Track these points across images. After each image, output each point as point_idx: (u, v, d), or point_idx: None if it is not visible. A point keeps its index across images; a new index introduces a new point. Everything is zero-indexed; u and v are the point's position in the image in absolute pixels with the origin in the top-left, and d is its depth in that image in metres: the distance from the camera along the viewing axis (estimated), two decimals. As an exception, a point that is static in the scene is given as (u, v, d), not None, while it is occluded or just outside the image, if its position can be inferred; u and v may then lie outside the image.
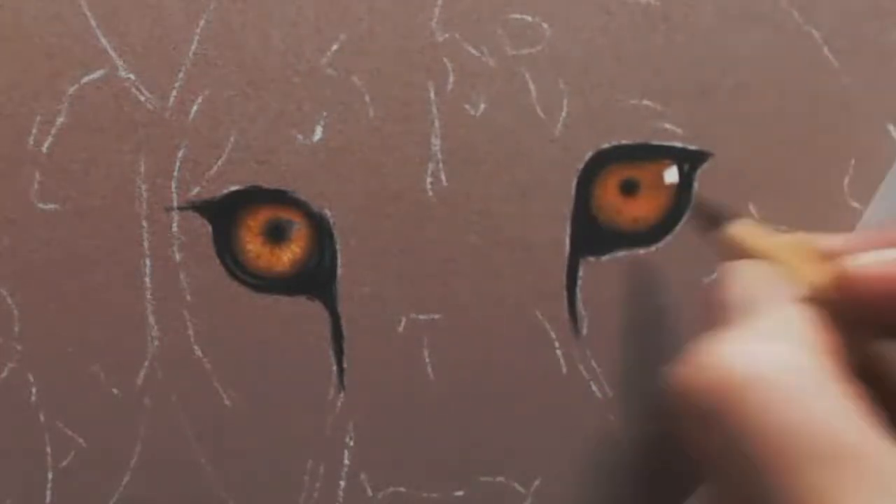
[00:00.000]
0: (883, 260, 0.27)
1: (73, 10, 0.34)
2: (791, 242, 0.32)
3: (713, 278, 0.36)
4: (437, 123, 0.35)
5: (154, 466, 0.37)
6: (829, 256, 0.31)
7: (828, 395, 0.25)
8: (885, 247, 0.28)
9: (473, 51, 0.35)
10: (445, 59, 0.35)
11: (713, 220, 0.34)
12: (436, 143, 0.35)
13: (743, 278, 0.30)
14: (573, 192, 0.36)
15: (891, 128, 0.36)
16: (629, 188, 0.36)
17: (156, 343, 0.36)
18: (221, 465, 0.37)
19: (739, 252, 0.32)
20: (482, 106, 0.35)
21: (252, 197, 0.35)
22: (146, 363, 0.36)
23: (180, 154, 0.35)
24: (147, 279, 0.36)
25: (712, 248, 0.34)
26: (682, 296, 0.37)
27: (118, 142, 0.35)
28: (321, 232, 0.36)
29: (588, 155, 0.36)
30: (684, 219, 0.36)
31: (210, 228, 0.35)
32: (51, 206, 0.35)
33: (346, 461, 0.37)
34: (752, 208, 0.36)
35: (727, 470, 0.25)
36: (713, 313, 0.30)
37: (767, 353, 0.25)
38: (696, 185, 0.36)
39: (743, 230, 0.33)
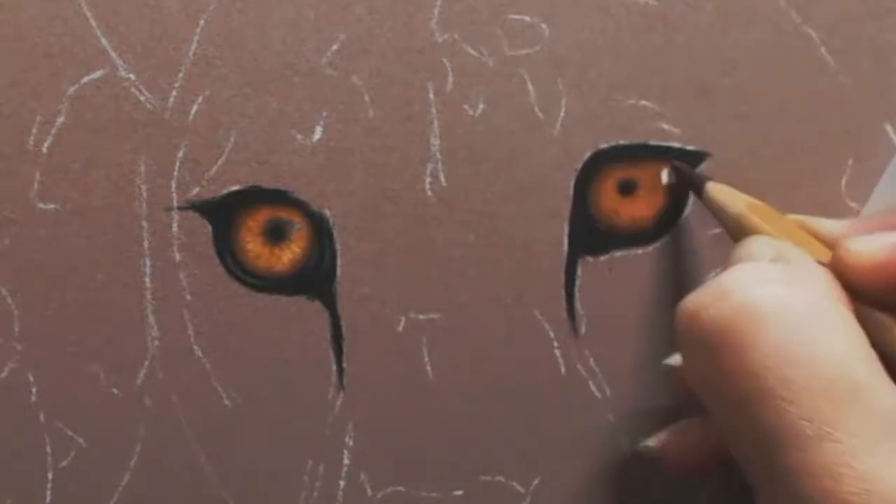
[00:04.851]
0: (875, 245, 0.27)
1: (73, 10, 0.34)
2: (789, 223, 0.32)
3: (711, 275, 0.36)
4: (436, 123, 0.35)
5: (154, 466, 0.37)
6: (828, 240, 0.31)
7: (843, 335, 0.25)
8: (882, 230, 0.28)
9: (472, 51, 0.35)
10: (444, 60, 0.35)
11: (693, 184, 0.35)
12: (435, 143, 0.35)
13: (766, 253, 0.30)
14: (571, 191, 0.36)
15: (888, 128, 0.36)
16: (627, 188, 0.36)
17: (156, 343, 0.36)
18: (221, 465, 0.37)
19: (723, 218, 0.33)
20: (481, 106, 0.35)
21: (252, 197, 0.35)
22: (146, 363, 0.36)
23: (180, 154, 0.35)
24: (147, 279, 0.36)
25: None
26: (680, 296, 0.37)
27: (118, 142, 0.35)
28: (321, 232, 0.36)
29: (586, 155, 0.36)
30: (683, 217, 0.36)
31: (210, 228, 0.35)
32: (51, 206, 0.35)
33: (346, 461, 0.37)
34: (749, 208, 0.36)
35: (726, 398, 0.26)
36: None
37: (782, 287, 0.26)
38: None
39: (723, 193, 0.34)
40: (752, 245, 0.30)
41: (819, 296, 0.26)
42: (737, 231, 0.33)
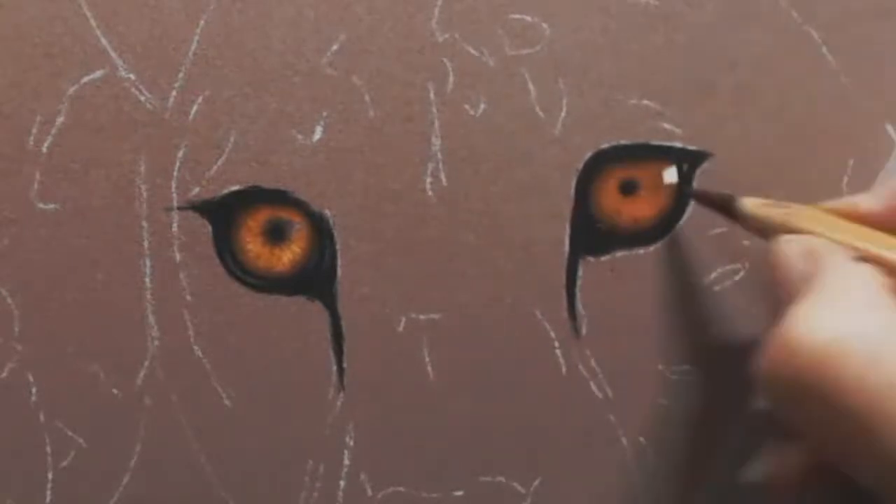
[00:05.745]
0: None
1: (73, 10, 0.34)
2: (815, 212, 0.32)
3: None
4: (436, 123, 0.35)
5: (154, 466, 0.37)
6: (864, 218, 0.31)
7: None
8: None
9: (473, 51, 0.35)
10: (445, 60, 0.35)
11: (719, 205, 0.34)
12: (435, 142, 0.35)
13: (796, 251, 0.30)
14: (572, 192, 0.36)
15: (889, 128, 0.36)
16: (628, 188, 0.36)
17: (156, 343, 0.36)
18: (221, 465, 0.37)
19: (763, 227, 0.33)
20: (482, 106, 0.35)
21: (252, 197, 0.35)
22: (146, 363, 0.36)
23: (180, 154, 0.35)
24: (147, 279, 0.36)
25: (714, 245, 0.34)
26: (682, 296, 0.37)
27: (118, 142, 0.35)
28: (321, 232, 0.36)
29: (587, 155, 0.36)
30: (684, 217, 0.36)
31: (210, 228, 0.35)
32: (51, 206, 0.35)
33: (346, 461, 0.37)
34: (751, 208, 0.36)
35: (840, 440, 0.25)
36: (779, 293, 0.30)
37: (845, 318, 0.25)
38: (694, 184, 0.36)
39: (759, 206, 0.33)
40: (783, 249, 0.30)
41: (874, 313, 0.26)
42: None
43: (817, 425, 0.26)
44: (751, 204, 0.33)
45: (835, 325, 0.25)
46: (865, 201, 0.31)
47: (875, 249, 0.29)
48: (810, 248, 0.29)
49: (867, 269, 0.28)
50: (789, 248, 0.30)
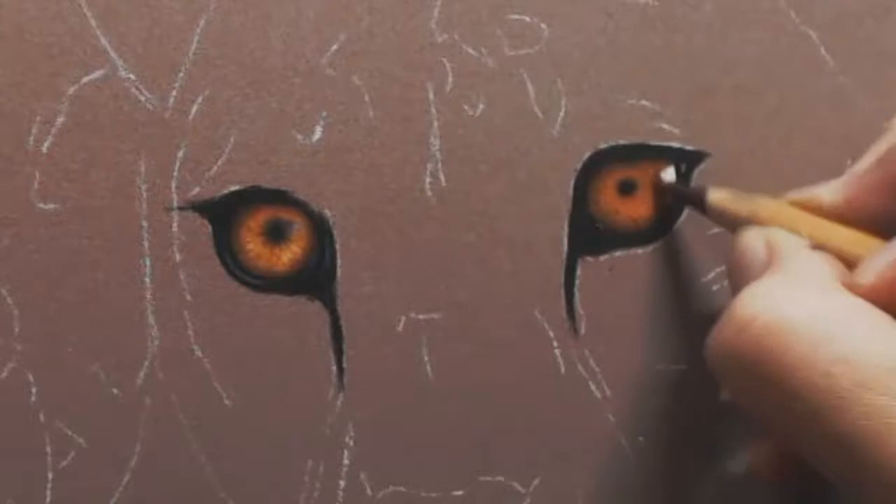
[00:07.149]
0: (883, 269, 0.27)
1: (73, 10, 0.34)
2: (780, 205, 0.32)
3: (714, 273, 0.36)
4: (435, 123, 0.35)
5: (154, 466, 0.37)
6: (831, 211, 0.31)
7: (864, 324, 0.25)
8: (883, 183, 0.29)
9: (472, 51, 0.35)
10: (444, 60, 0.35)
11: (693, 199, 0.35)
12: (435, 143, 0.35)
13: (757, 241, 0.30)
14: (571, 191, 0.36)
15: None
16: (627, 188, 0.36)
17: (156, 343, 0.36)
18: (221, 465, 0.37)
19: (729, 220, 0.33)
20: (481, 106, 0.35)
21: (252, 197, 0.35)
22: (146, 363, 0.36)
23: (180, 154, 0.35)
24: (147, 279, 0.36)
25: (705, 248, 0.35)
26: (680, 295, 0.37)
27: (118, 142, 0.35)
28: (321, 232, 0.36)
29: (586, 155, 0.36)
30: (682, 217, 0.36)
31: (210, 228, 0.35)
32: (51, 206, 0.35)
33: (346, 461, 0.37)
34: (749, 208, 0.36)
35: (786, 418, 0.25)
36: (736, 279, 0.30)
37: (798, 296, 0.26)
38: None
39: (725, 199, 0.33)
40: (745, 239, 0.31)
41: (826, 291, 0.26)
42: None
43: (765, 405, 0.26)
44: (718, 197, 0.34)
45: (785, 304, 0.25)
46: (828, 195, 0.31)
47: (833, 241, 0.29)
48: (771, 238, 0.30)
49: (824, 257, 0.28)
50: (751, 238, 0.31)
